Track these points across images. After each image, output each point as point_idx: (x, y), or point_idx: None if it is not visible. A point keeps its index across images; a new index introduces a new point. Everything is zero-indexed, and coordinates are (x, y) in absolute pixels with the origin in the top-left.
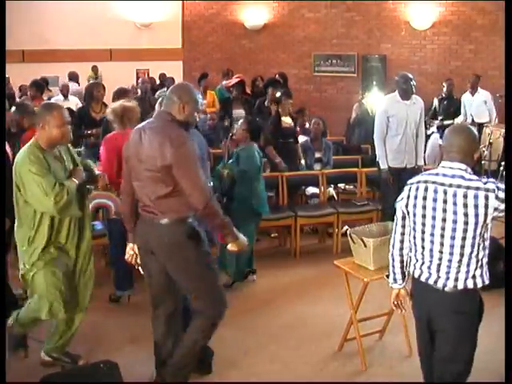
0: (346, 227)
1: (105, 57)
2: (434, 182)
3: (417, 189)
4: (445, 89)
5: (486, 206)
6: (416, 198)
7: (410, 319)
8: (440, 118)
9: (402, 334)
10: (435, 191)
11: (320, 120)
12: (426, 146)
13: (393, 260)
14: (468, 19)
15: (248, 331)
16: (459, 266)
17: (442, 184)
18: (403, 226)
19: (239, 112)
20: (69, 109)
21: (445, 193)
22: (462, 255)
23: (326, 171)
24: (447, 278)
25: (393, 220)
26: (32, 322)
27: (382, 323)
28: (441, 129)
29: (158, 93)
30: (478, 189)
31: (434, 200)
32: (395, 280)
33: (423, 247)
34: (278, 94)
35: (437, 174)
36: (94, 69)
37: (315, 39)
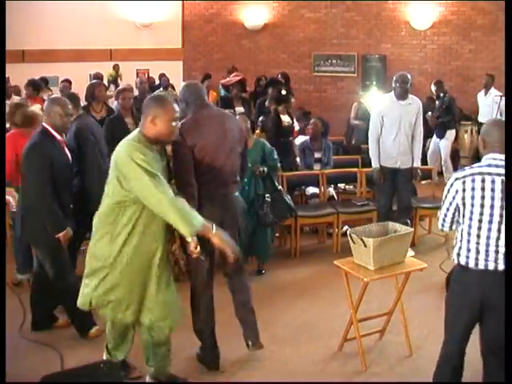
0: (345, 227)
1: (105, 57)
2: (489, 174)
3: (473, 180)
4: (434, 90)
5: None
6: (474, 189)
7: (410, 319)
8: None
9: (402, 334)
10: (493, 181)
11: (319, 120)
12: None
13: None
14: (468, 19)
15: None
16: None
17: (498, 174)
18: (451, 213)
19: (239, 109)
20: None
21: (502, 182)
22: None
23: (326, 171)
24: (500, 260)
25: (386, 219)
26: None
27: (382, 323)
28: (436, 127)
29: (155, 93)
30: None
31: (492, 190)
32: None
33: (478, 236)
34: (284, 92)
35: (489, 166)
36: (116, 67)
37: (315, 39)
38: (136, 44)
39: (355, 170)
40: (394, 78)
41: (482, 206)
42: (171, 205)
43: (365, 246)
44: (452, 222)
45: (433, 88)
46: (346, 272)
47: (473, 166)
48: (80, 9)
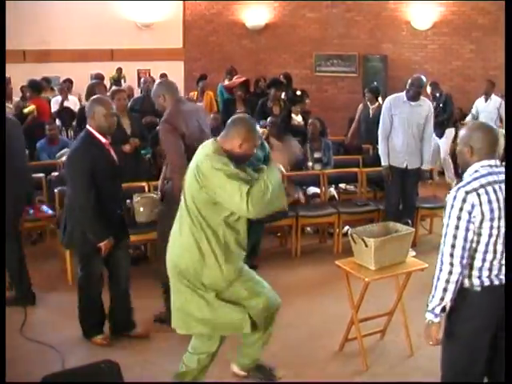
0: (346, 227)
1: (106, 57)
2: (495, 182)
3: (486, 193)
4: (429, 91)
5: None
6: (491, 202)
7: (411, 319)
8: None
9: (403, 333)
10: (500, 189)
11: (317, 120)
12: None
13: (455, 284)
14: (468, 19)
15: None
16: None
17: (501, 182)
18: (470, 239)
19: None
20: (68, 108)
21: (501, 190)
22: None
23: (327, 171)
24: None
25: (394, 220)
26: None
27: (382, 323)
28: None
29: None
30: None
31: (501, 199)
32: (444, 310)
33: (495, 251)
34: (299, 93)
35: (490, 174)
36: (118, 70)
37: (316, 39)
38: (137, 44)
39: (356, 169)
40: (410, 80)
41: (499, 218)
42: None
43: (366, 246)
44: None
45: (428, 89)
46: (346, 272)
47: (476, 176)
48: (81, 9)
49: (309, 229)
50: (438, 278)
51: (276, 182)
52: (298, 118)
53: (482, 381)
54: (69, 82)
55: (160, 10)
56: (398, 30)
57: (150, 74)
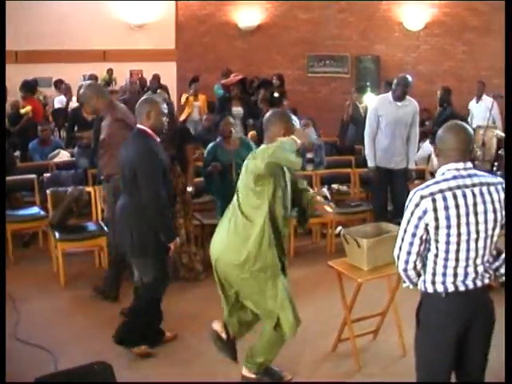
0: (339, 228)
1: (98, 58)
2: (458, 187)
3: (444, 198)
4: (438, 96)
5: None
6: (447, 208)
7: (404, 319)
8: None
9: (396, 334)
10: (464, 195)
11: (309, 121)
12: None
13: (408, 281)
14: (461, 20)
15: None
16: (485, 263)
17: (466, 186)
18: (416, 244)
19: (238, 110)
20: (60, 109)
21: (473, 195)
22: (489, 253)
23: (320, 172)
24: (482, 276)
25: (382, 219)
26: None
27: (375, 323)
28: (431, 135)
29: (145, 96)
30: (496, 183)
31: (466, 205)
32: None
33: (457, 259)
34: (276, 95)
35: (455, 178)
36: (109, 71)
37: (309, 40)
38: (129, 45)
39: (349, 170)
40: (396, 80)
41: (459, 225)
42: None
43: (358, 246)
44: (418, 258)
45: (438, 93)
46: (339, 272)
47: (437, 180)
48: (73, 9)
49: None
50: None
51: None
52: None
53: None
54: (60, 82)
55: (152, 11)
56: (391, 30)
57: (142, 75)
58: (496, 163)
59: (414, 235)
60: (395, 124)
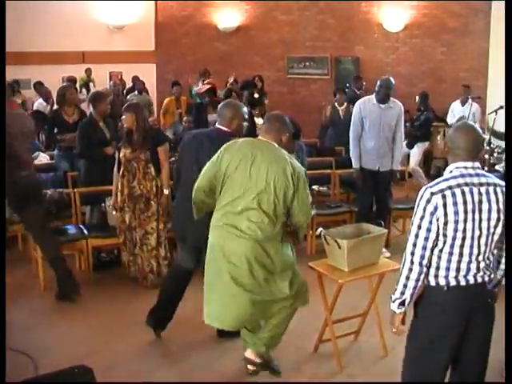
0: (320, 229)
1: (77, 59)
2: (466, 184)
3: (453, 194)
4: (417, 101)
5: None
6: (456, 204)
7: (385, 320)
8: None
9: (377, 334)
10: (471, 192)
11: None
12: None
13: (415, 282)
14: (440, 22)
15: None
16: (486, 260)
17: (474, 184)
18: (431, 239)
19: (213, 117)
20: (40, 112)
21: (479, 193)
22: (490, 250)
23: None
24: (483, 272)
25: (366, 221)
26: None
27: (356, 324)
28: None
29: (129, 96)
30: (501, 185)
31: (473, 202)
32: (403, 304)
33: (461, 254)
34: (257, 95)
35: (463, 176)
36: (88, 71)
37: (288, 41)
38: (109, 46)
39: (329, 171)
40: (379, 82)
41: (466, 221)
42: None
43: (339, 247)
44: (432, 252)
45: (417, 98)
46: (320, 274)
47: (446, 177)
48: (52, 11)
49: None
50: (401, 273)
51: None
52: (259, 121)
53: (443, 372)
54: (40, 84)
55: (132, 13)
56: (370, 32)
57: (121, 77)
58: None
59: (428, 230)
60: (379, 126)
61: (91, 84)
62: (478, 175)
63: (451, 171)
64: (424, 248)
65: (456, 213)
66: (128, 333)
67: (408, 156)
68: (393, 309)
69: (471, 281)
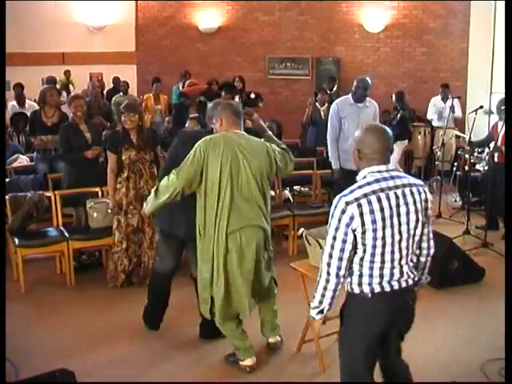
0: (301, 229)
1: (57, 60)
2: (382, 190)
3: (369, 202)
4: (393, 100)
5: (426, 201)
6: (373, 212)
7: None
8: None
9: None
10: (387, 198)
11: (272, 122)
12: None
13: (333, 292)
14: (420, 22)
15: None
16: (409, 262)
17: (389, 188)
18: (348, 250)
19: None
20: (22, 113)
21: (396, 196)
22: (412, 252)
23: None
24: (407, 276)
25: None
26: None
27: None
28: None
29: (114, 98)
30: (417, 185)
31: (390, 207)
32: (322, 312)
33: (383, 261)
34: (253, 96)
35: (377, 181)
36: (67, 73)
37: (269, 42)
38: (89, 47)
39: (310, 172)
40: (356, 82)
41: (384, 228)
42: None
43: (321, 247)
44: (347, 263)
45: (393, 98)
46: (302, 274)
47: (361, 184)
48: (31, 11)
49: None
50: (318, 283)
51: None
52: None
53: (371, 374)
54: (19, 86)
55: (112, 13)
56: (351, 32)
57: (102, 78)
58: (456, 163)
59: (344, 241)
60: (357, 125)
61: (71, 86)
62: (392, 178)
63: (365, 177)
64: (340, 259)
65: (374, 221)
66: (110, 335)
67: None
68: (312, 315)
69: (395, 286)
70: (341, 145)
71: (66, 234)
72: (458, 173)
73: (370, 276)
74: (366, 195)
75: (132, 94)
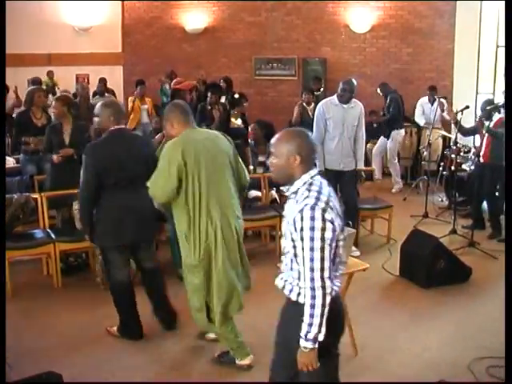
0: None
1: (43, 61)
2: (330, 196)
3: (331, 208)
4: (380, 92)
5: None
6: (333, 222)
7: (354, 319)
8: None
9: (347, 334)
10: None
11: (257, 124)
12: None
13: (328, 305)
14: (406, 23)
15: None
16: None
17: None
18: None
19: None
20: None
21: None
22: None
23: (268, 174)
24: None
25: None
26: None
27: None
28: (382, 127)
29: (90, 100)
30: None
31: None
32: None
33: (334, 263)
34: (237, 96)
35: (322, 186)
36: (50, 74)
37: (256, 43)
38: (75, 48)
39: None
40: (341, 84)
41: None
42: None
43: None
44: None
45: (379, 90)
46: None
47: (318, 190)
48: (17, 11)
49: (250, 232)
50: (314, 306)
51: None
52: (237, 122)
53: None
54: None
55: (98, 14)
56: (337, 33)
57: (88, 79)
58: (442, 163)
59: (330, 249)
60: (342, 126)
61: (56, 88)
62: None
63: (311, 183)
64: (329, 268)
65: (333, 230)
66: (97, 337)
67: (382, 153)
68: (309, 347)
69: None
70: (326, 146)
71: (53, 236)
72: (445, 173)
73: (332, 282)
74: (327, 201)
75: (111, 95)
